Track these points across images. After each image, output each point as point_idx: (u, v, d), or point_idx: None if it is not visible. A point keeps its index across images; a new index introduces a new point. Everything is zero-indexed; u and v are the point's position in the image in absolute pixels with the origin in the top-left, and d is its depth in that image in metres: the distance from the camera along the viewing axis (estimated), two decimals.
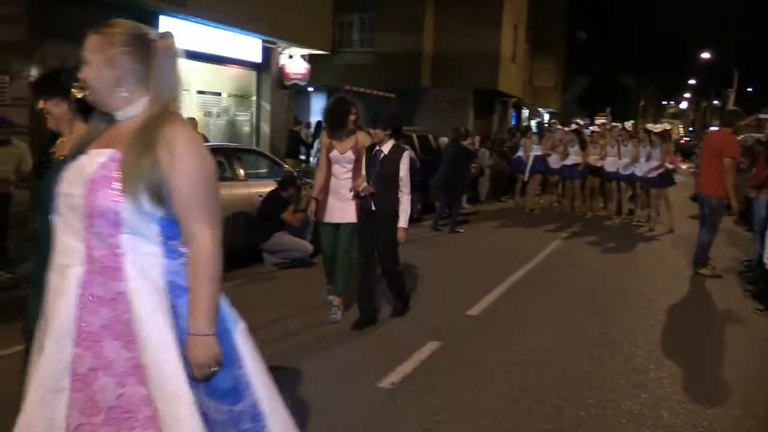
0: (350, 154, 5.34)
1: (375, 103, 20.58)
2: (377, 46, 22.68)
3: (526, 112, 32.39)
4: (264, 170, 8.47)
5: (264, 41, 13.99)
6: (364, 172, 5.22)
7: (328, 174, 5.46)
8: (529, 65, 31.02)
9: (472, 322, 5.64)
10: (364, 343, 4.99)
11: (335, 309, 5.48)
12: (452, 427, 3.61)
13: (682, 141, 43.10)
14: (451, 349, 4.89)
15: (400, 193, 5.14)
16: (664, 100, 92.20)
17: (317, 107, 24.20)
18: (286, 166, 9.06)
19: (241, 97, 14.80)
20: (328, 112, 5.59)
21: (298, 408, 3.78)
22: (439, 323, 5.53)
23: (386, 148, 5.15)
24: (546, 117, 32.23)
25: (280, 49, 14.78)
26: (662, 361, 4.85)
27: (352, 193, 5.27)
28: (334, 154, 5.40)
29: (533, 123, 18.79)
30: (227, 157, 7.79)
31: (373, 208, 5.16)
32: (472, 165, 13.82)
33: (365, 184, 5.10)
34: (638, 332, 5.53)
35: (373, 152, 5.20)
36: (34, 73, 9.63)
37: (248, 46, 13.76)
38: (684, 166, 34.15)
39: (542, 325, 5.63)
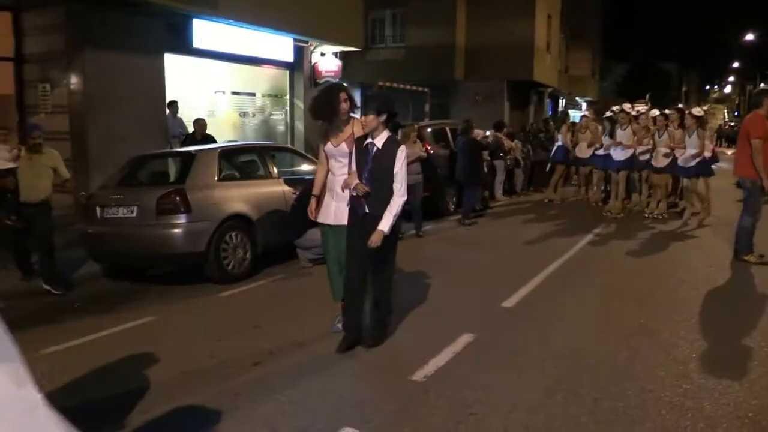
0: (344, 147, 4.71)
1: (409, 98, 20.64)
2: (409, 41, 22.63)
3: (562, 102, 31.88)
4: (298, 168, 8.52)
5: (296, 40, 14.10)
6: (354, 168, 4.59)
7: (328, 170, 4.93)
8: (565, 55, 30.53)
9: (507, 314, 5.58)
10: (397, 336, 4.97)
11: (340, 317, 4.94)
12: (485, 420, 3.57)
13: (726, 126, 41.83)
14: (485, 341, 4.84)
15: (394, 190, 4.46)
16: (707, 85, 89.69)
17: None
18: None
19: (275, 97, 14.95)
20: (315, 101, 5.01)
21: (332, 401, 3.81)
22: (474, 315, 5.49)
23: (380, 140, 4.46)
24: (584, 106, 31.62)
25: (311, 47, 14.87)
26: (705, 351, 4.71)
27: (346, 192, 4.65)
28: (329, 147, 4.81)
29: (575, 113, 18.37)
30: (261, 156, 7.86)
31: (366, 210, 4.49)
32: (507, 156, 13.70)
33: (357, 181, 4.46)
34: (679, 322, 5.38)
35: (364, 145, 4.51)
36: (74, 81, 9.89)
37: (280, 46, 13.87)
38: (729, 152, 33.24)
39: (579, 317, 5.53)
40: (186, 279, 6.84)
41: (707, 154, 11.06)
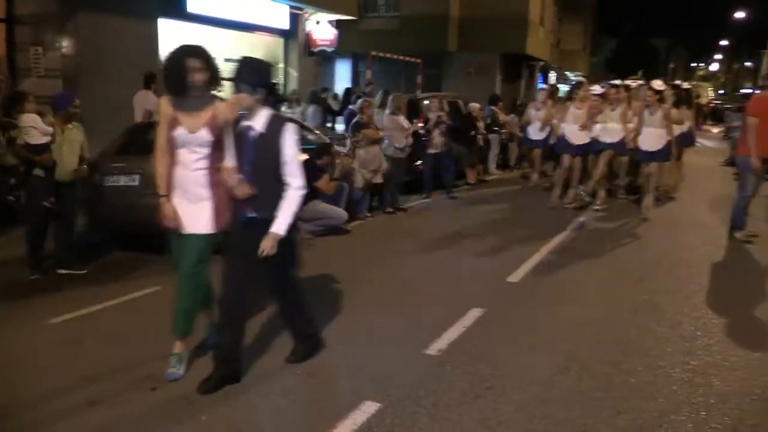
0: (204, 134, 3.62)
1: (402, 69, 20.47)
2: (403, 10, 22.34)
3: (553, 76, 31.81)
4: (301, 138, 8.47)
5: (291, 7, 13.86)
6: (232, 161, 3.60)
7: (172, 161, 3.72)
8: (557, 28, 30.36)
9: (513, 289, 5.63)
10: (405, 310, 5.00)
11: (175, 359, 3.83)
12: (502, 394, 3.63)
13: (711, 104, 42.03)
14: (495, 316, 4.89)
15: (285, 186, 3.57)
16: (694, 62, 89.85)
17: (343, 75, 24.06)
18: (324, 136, 9.05)
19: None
20: (164, 70, 3.73)
21: (350, 375, 3.83)
22: (481, 290, 5.53)
23: (259, 121, 3.51)
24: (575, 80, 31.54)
25: (307, 15, 14.64)
26: (709, 327, 4.80)
27: (207, 191, 3.67)
28: (180, 133, 3.63)
29: (562, 87, 18.17)
30: None
31: (253, 214, 3.58)
32: (502, 131, 13.68)
33: (236, 178, 3.54)
34: (682, 299, 5.47)
35: (239, 129, 3.57)
36: (66, 44, 9.67)
37: (275, 13, 13.65)
38: (715, 130, 33.49)
39: (583, 292, 5.60)
40: None
41: (682, 128, 10.04)
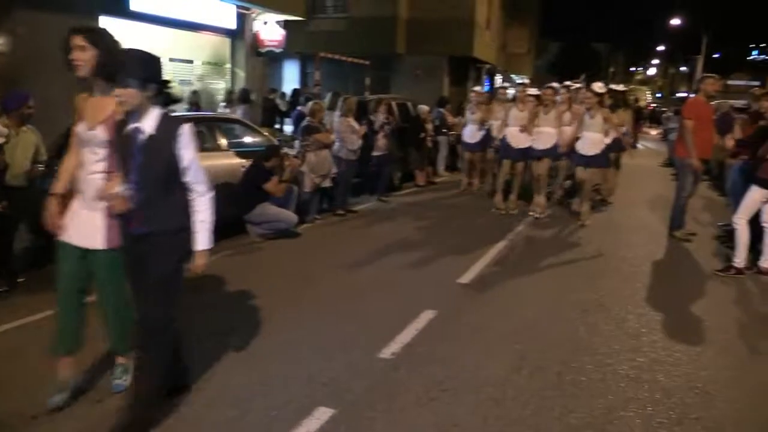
0: (100, 133, 3.22)
1: (350, 71, 20.45)
2: (352, 11, 22.33)
3: (499, 79, 32.35)
4: (246, 140, 8.32)
5: (238, 7, 13.65)
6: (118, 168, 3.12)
7: (78, 161, 3.34)
8: (503, 32, 30.90)
9: (465, 291, 5.67)
10: (357, 313, 4.98)
11: (120, 370, 3.63)
12: (457, 395, 3.64)
13: (650, 107, 43.57)
14: (447, 317, 4.91)
15: (191, 195, 3.13)
16: (633, 67, 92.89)
17: (290, 75, 23.86)
18: (271, 137, 8.93)
19: (214, 65, 14.47)
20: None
21: (302, 380, 3.78)
22: (432, 292, 5.55)
23: (149, 122, 3.02)
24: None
25: (254, 15, 14.44)
26: (653, 324, 4.95)
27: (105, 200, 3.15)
28: (80, 129, 3.30)
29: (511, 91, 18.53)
30: (208, 127, 7.62)
31: (143, 229, 3.06)
32: (450, 133, 13.80)
33: (119, 188, 3.03)
34: (627, 297, 5.63)
35: (126, 131, 3.05)
36: (2, 42, 9.26)
37: (222, 12, 13.41)
38: (653, 132, 34.71)
39: (534, 293, 5.69)
40: None
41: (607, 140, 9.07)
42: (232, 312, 5.01)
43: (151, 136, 3.02)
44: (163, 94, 3.14)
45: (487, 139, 10.60)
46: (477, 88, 12.05)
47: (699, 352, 4.47)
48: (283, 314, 4.92)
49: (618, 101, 10.08)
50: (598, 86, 8.53)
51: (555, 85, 9.80)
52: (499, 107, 10.24)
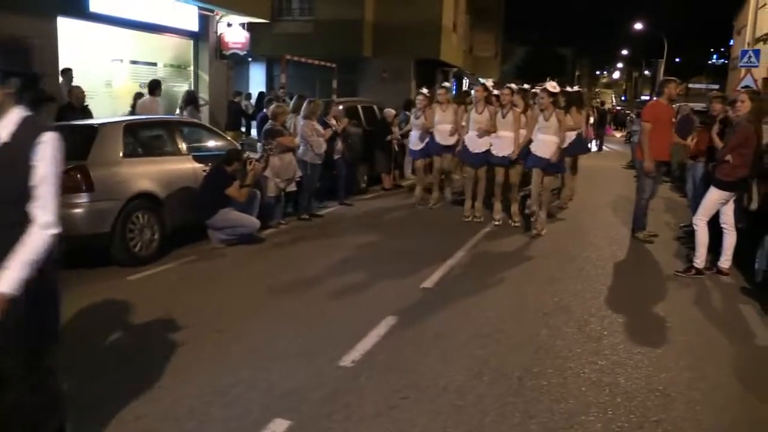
0: None
1: (317, 74, 20.32)
2: (318, 14, 22.23)
3: (466, 82, 32.53)
4: (207, 144, 8.16)
5: (200, 8, 13.45)
6: None
7: None
8: (470, 35, 31.10)
9: (427, 295, 5.62)
10: (319, 321, 4.89)
11: None
12: (417, 403, 3.58)
13: (615, 110, 44.37)
14: (409, 323, 4.85)
15: (32, 216, 2.41)
16: (598, 70, 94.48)
17: (257, 78, 23.63)
18: (232, 140, 8.78)
19: (177, 68, 14.24)
20: None
21: (261, 390, 3.68)
22: (395, 297, 5.48)
23: (5, 126, 2.42)
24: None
25: (217, 16, 14.26)
26: (614, 327, 4.96)
27: None
28: None
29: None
30: (169, 131, 7.45)
31: None
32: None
33: None
34: (590, 299, 5.64)
35: None
36: None
37: (184, 14, 13.22)
38: (618, 135, 35.32)
39: (497, 296, 5.67)
40: (90, 262, 6.40)
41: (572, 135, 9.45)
42: (190, 321, 4.86)
43: (4, 144, 2.39)
44: (29, 91, 2.41)
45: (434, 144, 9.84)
46: (446, 84, 10.99)
47: (660, 354, 4.48)
48: (243, 322, 4.81)
49: (572, 102, 9.64)
50: (552, 86, 8.12)
51: (512, 86, 9.43)
52: (442, 111, 9.60)
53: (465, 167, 9.39)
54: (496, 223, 8.88)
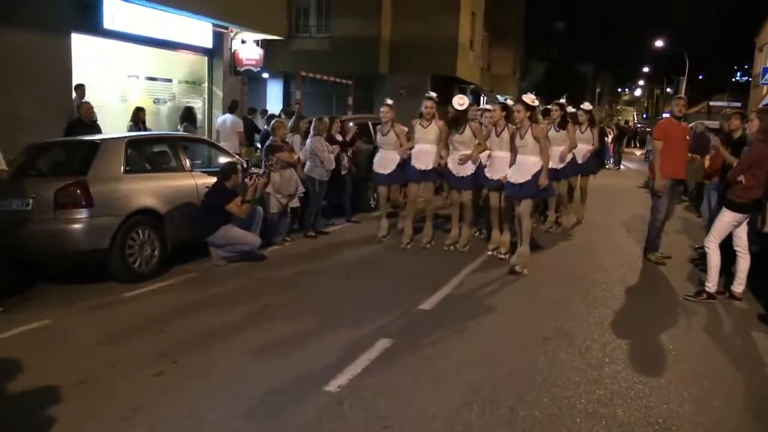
0: None
1: (333, 90, 20.34)
2: (334, 31, 22.33)
3: (483, 99, 32.42)
4: (213, 160, 8.14)
5: (215, 25, 13.55)
6: None
7: None
8: (487, 52, 31.05)
9: (425, 317, 5.47)
10: (310, 343, 4.76)
11: None
12: None
13: (636, 127, 43.89)
14: (403, 346, 4.71)
15: None
16: (619, 87, 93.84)
17: (273, 94, 23.77)
18: (236, 155, 8.75)
19: (192, 84, 14.34)
20: None
21: (241, 416, 3.57)
22: (392, 319, 5.35)
23: None
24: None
25: (232, 33, 14.36)
26: (617, 354, 4.77)
27: None
28: None
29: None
30: (172, 147, 7.43)
31: None
32: None
33: None
34: (593, 324, 5.45)
35: None
36: None
37: (198, 31, 13.32)
38: (638, 153, 34.92)
39: (497, 319, 5.50)
40: (89, 277, 6.37)
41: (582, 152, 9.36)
42: (181, 340, 4.79)
43: None
44: None
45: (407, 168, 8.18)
46: (432, 94, 8.26)
47: (662, 383, 4.29)
48: (233, 343, 4.72)
49: (564, 117, 9.07)
50: (530, 98, 7.02)
51: (509, 101, 8.08)
52: (423, 128, 7.93)
53: (451, 191, 8.49)
54: (501, 257, 7.67)
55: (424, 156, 7.92)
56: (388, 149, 8.30)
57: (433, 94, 8.10)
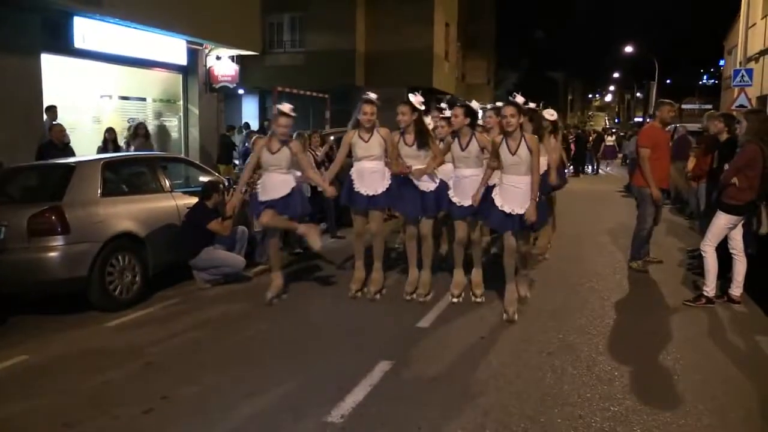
0: None
1: (309, 104, 20.15)
2: (309, 46, 22.25)
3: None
4: (193, 180, 7.88)
5: (189, 42, 13.31)
6: None
7: None
8: (461, 63, 31.17)
9: (424, 336, 5.26)
10: (310, 370, 4.53)
11: None
12: None
13: (611, 132, 44.27)
14: (404, 368, 4.50)
15: None
16: (590, 94, 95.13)
17: (249, 111, 23.53)
18: (215, 173, 8.50)
19: (167, 102, 14.07)
20: None
21: None
22: (390, 339, 5.15)
23: None
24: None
25: (206, 50, 14.14)
26: (625, 366, 4.60)
27: None
28: None
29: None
30: (151, 168, 7.17)
31: None
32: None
33: None
34: (596, 335, 5.30)
35: None
36: None
37: (172, 48, 13.09)
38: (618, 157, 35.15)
39: (497, 334, 5.32)
40: (68, 307, 6.06)
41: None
42: (169, 371, 4.53)
43: None
44: None
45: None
46: (371, 95, 6.43)
47: (676, 396, 4.12)
48: (224, 373, 4.46)
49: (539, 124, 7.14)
50: (475, 105, 6.17)
51: (474, 104, 6.31)
52: (364, 141, 6.21)
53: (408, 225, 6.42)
54: (455, 300, 6.19)
55: (370, 177, 6.14)
56: (275, 170, 6.22)
57: (373, 96, 6.24)
